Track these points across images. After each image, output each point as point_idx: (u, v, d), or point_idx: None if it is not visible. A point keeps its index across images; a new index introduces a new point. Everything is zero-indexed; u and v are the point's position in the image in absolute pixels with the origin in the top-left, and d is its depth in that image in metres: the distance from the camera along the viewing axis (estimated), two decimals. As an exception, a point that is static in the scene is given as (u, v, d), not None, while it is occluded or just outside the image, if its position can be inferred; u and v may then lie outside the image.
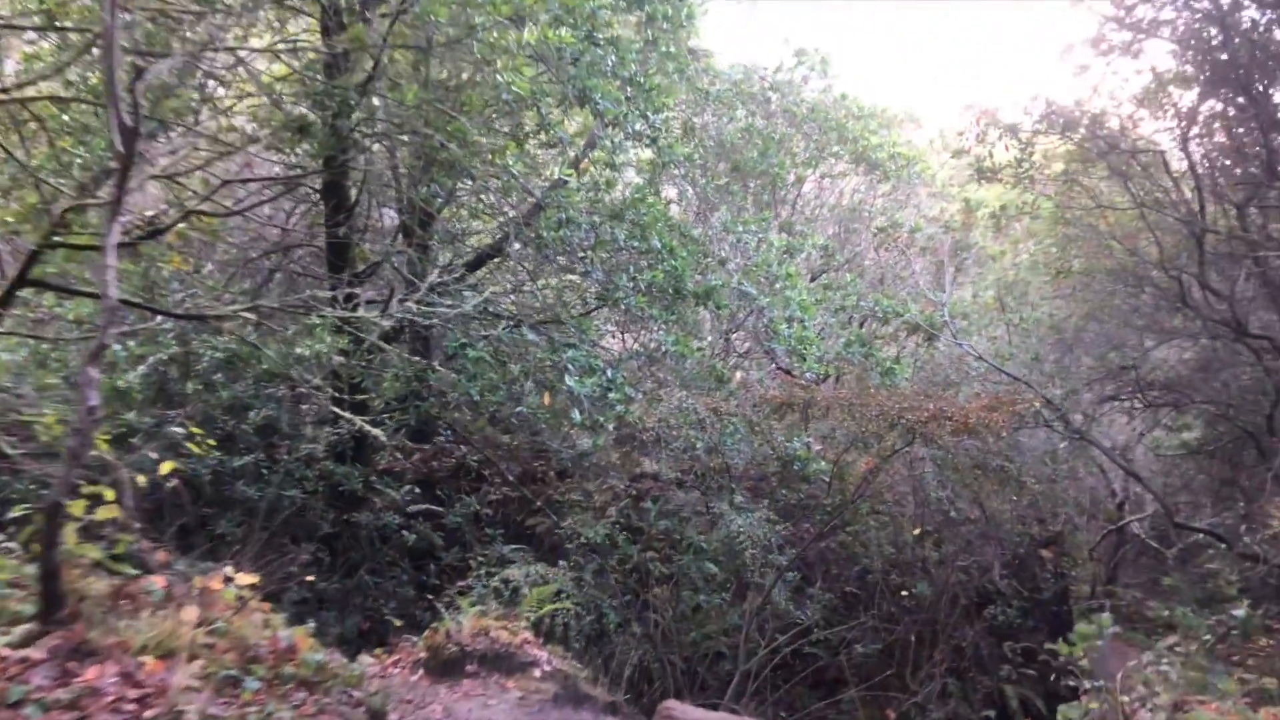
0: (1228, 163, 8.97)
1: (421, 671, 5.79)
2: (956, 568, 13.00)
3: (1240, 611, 5.38)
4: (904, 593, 11.89)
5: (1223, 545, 11.45)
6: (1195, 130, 9.08)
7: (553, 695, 6.01)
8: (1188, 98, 9.13)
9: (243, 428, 10.31)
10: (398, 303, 8.25)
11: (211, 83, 9.78)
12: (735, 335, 14.14)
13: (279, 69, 10.12)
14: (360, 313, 7.65)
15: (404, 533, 11.72)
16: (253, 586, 4.44)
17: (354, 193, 10.76)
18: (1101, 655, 13.48)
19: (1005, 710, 13.00)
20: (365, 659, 5.53)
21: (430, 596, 9.89)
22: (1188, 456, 13.42)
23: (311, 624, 5.17)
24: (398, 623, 9.04)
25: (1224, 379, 11.23)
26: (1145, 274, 10.63)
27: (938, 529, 12.89)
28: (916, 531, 11.80)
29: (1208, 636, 5.07)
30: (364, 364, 9.31)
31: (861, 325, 14.61)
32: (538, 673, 5.96)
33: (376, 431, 7.78)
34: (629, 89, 9.43)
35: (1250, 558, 6.48)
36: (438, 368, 9.24)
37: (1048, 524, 17.68)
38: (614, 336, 13.86)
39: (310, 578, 9.28)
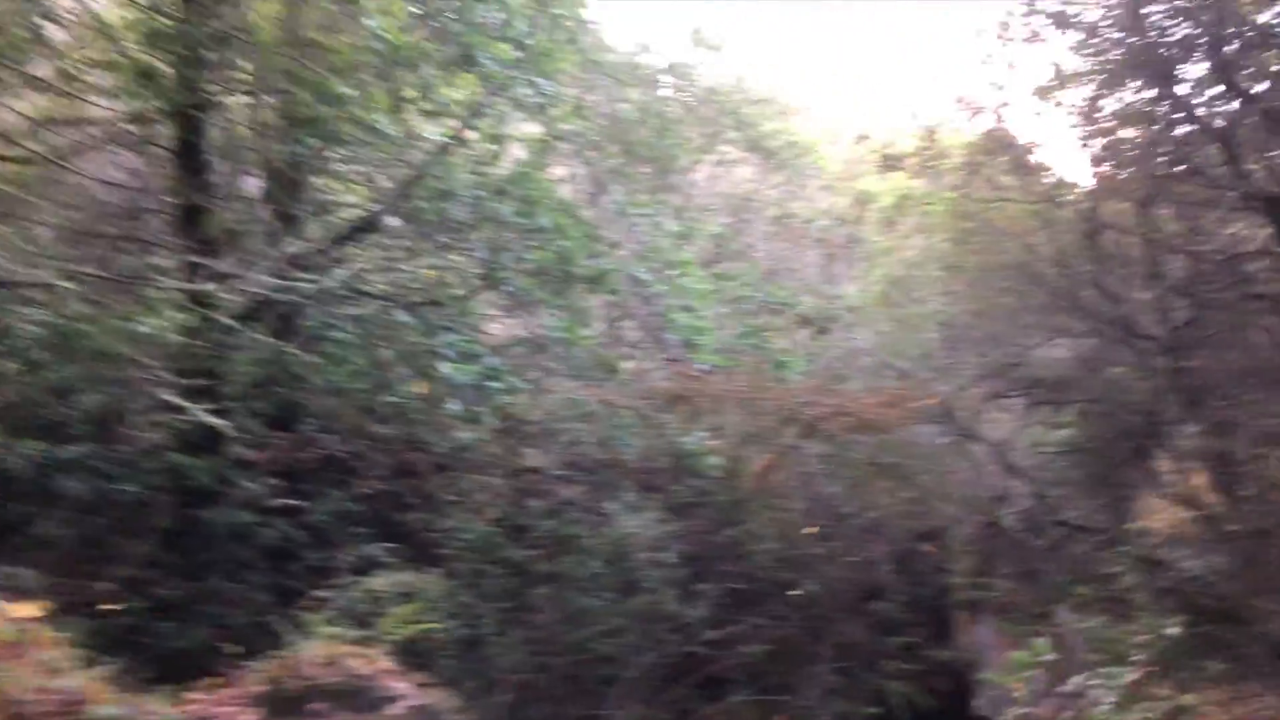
0: (1130, 156, 8.88)
1: (257, 712, 4.91)
2: (844, 564, 12.76)
3: (1176, 629, 5.10)
4: (793, 591, 11.55)
5: (1105, 542, 11.48)
6: (1094, 125, 8.97)
7: (411, 739, 5.26)
8: (1083, 92, 9.00)
9: (72, 414, 9.11)
10: (253, 277, 7.34)
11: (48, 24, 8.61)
12: (626, 324, 13.54)
13: (127, 13, 8.99)
14: (207, 286, 6.69)
15: (261, 530, 10.66)
16: (38, 618, 3.53)
17: (210, 154, 9.71)
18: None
19: (889, 707, 12.86)
20: (190, 694, 4.67)
21: (287, 605, 8.97)
22: (1066, 453, 13.47)
23: (117, 659, 4.28)
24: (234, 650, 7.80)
25: (1106, 377, 11.18)
26: (1039, 271, 10.54)
27: (827, 525, 12.61)
28: (814, 530, 11.47)
29: (1138, 656, 4.74)
30: (213, 345, 8.32)
31: (753, 316, 14.23)
32: (398, 709, 5.20)
33: (217, 420, 6.84)
34: (517, 52, 8.68)
35: (1153, 561, 6.30)
36: (296, 351, 8.29)
37: (930, 519, 17.70)
38: (499, 323, 13.07)
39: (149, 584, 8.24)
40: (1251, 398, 8.48)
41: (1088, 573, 20.43)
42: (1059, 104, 9.09)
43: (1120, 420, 11.74)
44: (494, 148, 9.93)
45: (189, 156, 9.32)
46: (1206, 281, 8.37)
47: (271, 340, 8.91)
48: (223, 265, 9.40)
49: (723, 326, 12.61)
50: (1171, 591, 7.10)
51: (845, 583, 12.81)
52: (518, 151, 12.11)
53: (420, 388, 8.52)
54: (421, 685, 5.73)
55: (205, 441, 10.03)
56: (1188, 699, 5.09)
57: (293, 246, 7.56)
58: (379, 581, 7.99)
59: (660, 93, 15.37)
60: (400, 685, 5.30)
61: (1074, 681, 5.87)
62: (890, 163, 10.77)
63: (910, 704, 13.17)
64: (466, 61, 8.32)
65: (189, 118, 8.85)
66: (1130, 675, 5.63)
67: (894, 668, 13.10)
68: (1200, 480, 10.04)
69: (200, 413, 6.77)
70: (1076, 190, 9.95)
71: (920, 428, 12.62)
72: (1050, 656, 5.04)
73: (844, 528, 13.14)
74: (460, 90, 10.81)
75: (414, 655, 7.36)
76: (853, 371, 14.33)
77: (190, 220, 9.39)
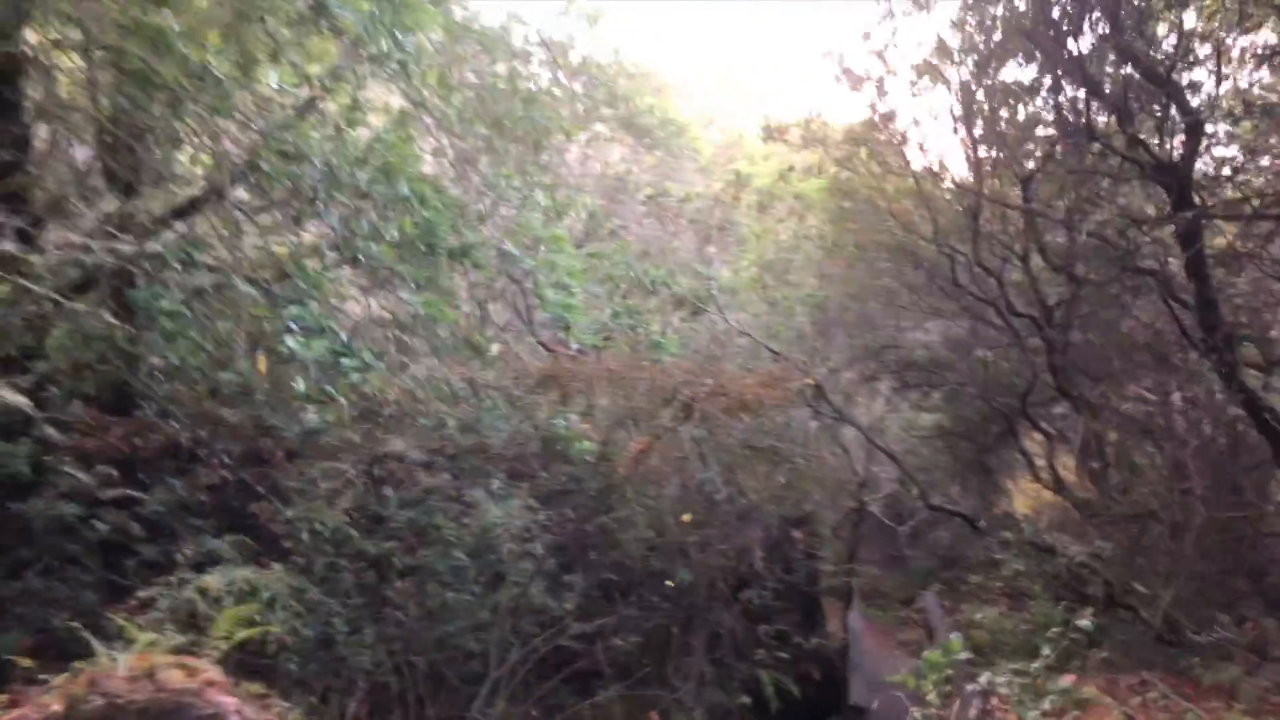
0: (1010, 135, 8.90)
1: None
2: (717, 551, 12.57)
3: (1086, 622, 4.96)
4: (666, 582, 11.27)
5: (976, 528, 11.66)
6: (976, 102, 8.96)
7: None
8: (964, 69, 8.99)
9: None
10: (73, 239, 6.50)
11: None
12: (494, 304, 12.96)
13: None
14: (7, 247, 5.84)
15: (92, 523, 9.65)
16: None
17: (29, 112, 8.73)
18: (932, 612, 13.44)
19: (760, 696, 12.75)
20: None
21: (118, 605, 8.08)
22: (935, 437, 13.71)
23: None
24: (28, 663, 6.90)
25: (980, 358, 11.35)
26: (916, 250, 10.53)
27: (701, 512, 12.40)
28: (686, 518, 11.19)
29: (1047, 651, 4.56)
30: (31, 318, 7.39)
31: (626, 296, 13.87)
32: (217, 730, 4.55)
33: (20, 399, 6.00)
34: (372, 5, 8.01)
35: (1046, 549, 6.24)
36: (120, 324, 7.43)
37: (800, 504, 17.76)
38: (358, 302, 12.28)
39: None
40: (1122, 378, 8.62)
41: (965, 559, 21.09)
42: (941, 80, 9.01)
43: (991, 402, 11.95)
44: (353, 113, 9.23)
45: (3, 114, 8.35)
46: (1086, 258, 8.43)
47: (98, 313, 8.00)
48: (39, 230, 8.45)
49: (595, 306, 12.19)
50: (1058, 578, 7.08)
51: (718, 570, 12.63)
52: (380, 121, 11.37)
53: (261, 364, 7.78)
54: (255, 696, 5.10)
55: (19, 426, 9.00)
56: (1088, 690, 5.01)
57: (119, 208, 6.73)
58: (214, 579, 7.22)
59: (532, 68, 14.82)
60: (227, 700, 4.64)
61: (984, 678, 5.67)
62: (773, 134, 10.54)
63: (782, 693, 13.11)
64: (319, 11, 7.61)
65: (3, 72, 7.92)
66: (1034, 666, 5.49)
67: (766, 656, 13.03)
68: (1070, 464, 10.23)
69: (2, 390, 5.91)
70: (957, 168, 9.95)
71: (794, 411, 12.56)
72: (964, 655, 4.82)
73: (717, 514, 12.96)
74: (315, 50, 10.04)
75: (252, 661, 6.69)
76: (727, 353, 14.17)
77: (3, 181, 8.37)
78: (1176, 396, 9.28)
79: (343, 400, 7.54)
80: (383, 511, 9.28)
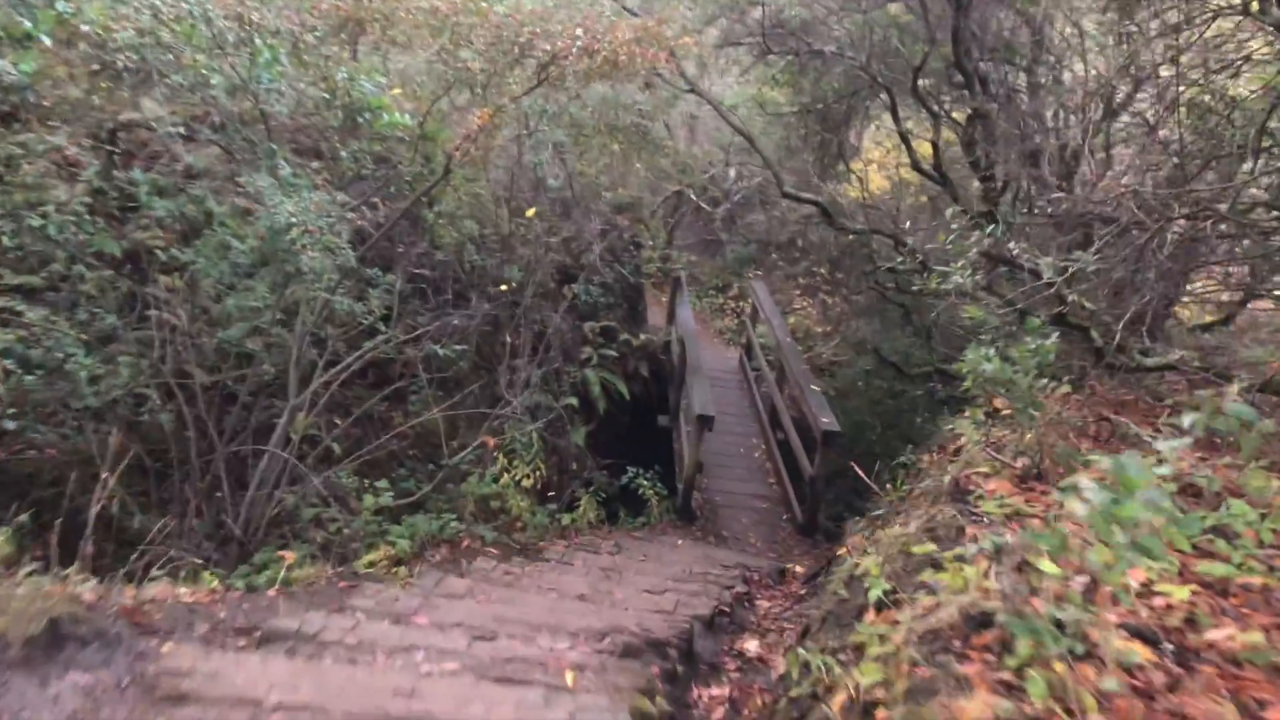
0: None
1: None
2: (546, 244, 11.12)
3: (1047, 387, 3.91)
4: (500, 286, 9.79)
5: (826, 217, 10.66)
6: None
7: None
8: None
9: None
10: None
11: None
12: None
13: None
14: None
15: None
16: None
17: None
18: (761, 298, 12.65)
19: (587, 397, 11.97)
20: None
21: None
22: (791, 114, 12.28)
23: None
24: None
25: (861, 19, 9.67)
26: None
27: (532, 201, 10.76)
28: (532, 213, 9.50)
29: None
30: None
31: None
32: None
33: None
34: None
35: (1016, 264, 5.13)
36: None
37: (628, 189, 16.30)
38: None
39: None
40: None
41: (790, 245, 20.61)
42: None
43: (874, 75, 10.58)
44: None
45: None
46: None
47: None
48: None
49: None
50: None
51: (547, 266, 11.24)
52: None
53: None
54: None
55: None
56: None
57: None
58: None
59: None
60: None
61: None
62: None
63: (606, 392, 12.37)
64: None
65: None
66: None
67: (593, 355, 12.12)
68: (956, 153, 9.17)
69: None
70: None
71: (647, 77, 10.78)
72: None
73: (543, 201, 11.39)
74: None
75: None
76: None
77: None
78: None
79: (45, 39, 5.10)
80: (136, 198, 7.04)
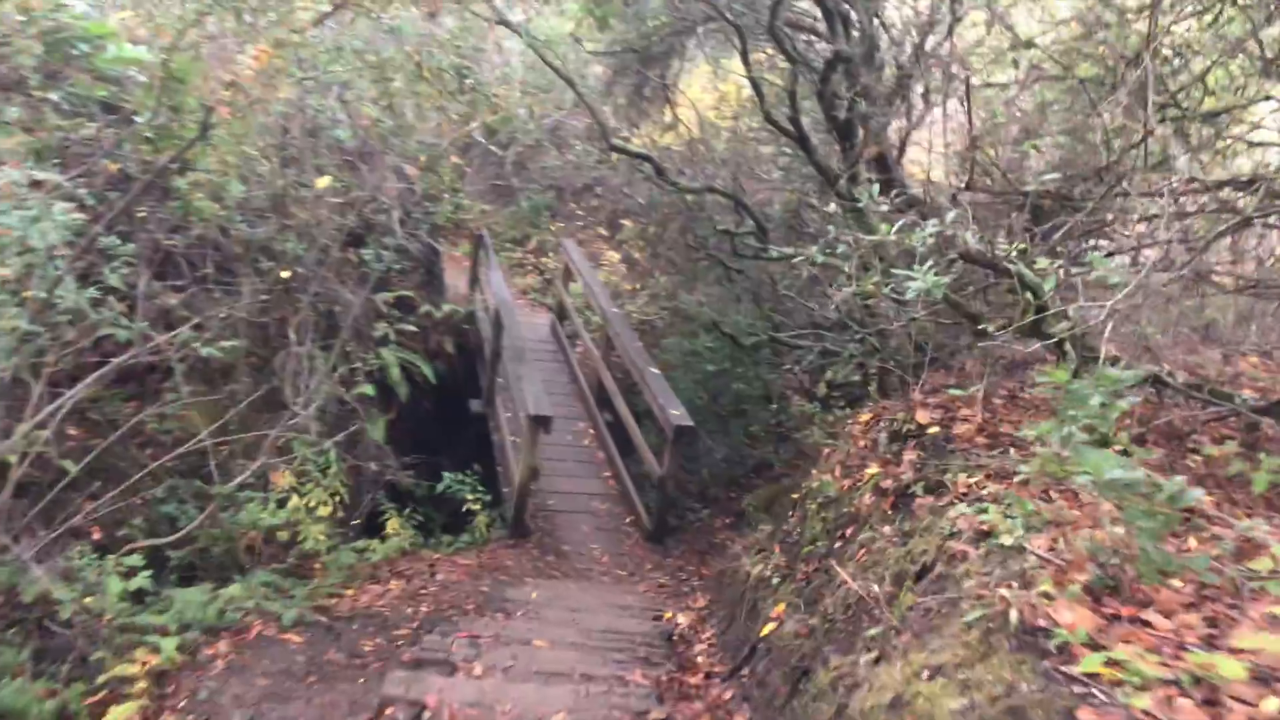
0: None
1: None
2: (338, 206, 9.32)
3: None
4: (270, 257, 7.97)
5: (657, 173, 9.44)
6: None
7: None
8: None
9: None
10: None
11: None
12: None
13: None
14: None
15: None
16: None
17: None
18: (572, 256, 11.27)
19: (385, 382, 10.31)
20: None
21: None
22: (612, 54, 10.86)
23: None
24: None
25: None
26: None
27: (318, 153, 8.90)
28: (324, 182, 7.67)
29: None
30: None
31: None
32: None
33: None
34: None
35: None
36: None
37: (426, 134, 14.43)
38: None
39: None
40: None
41: (588, 192, 19.22)
42: None
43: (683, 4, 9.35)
44: None
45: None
46: None
47: None
48: None
49: None
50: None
51: (331, 229, 9.43)
52: None
53: None
54: None
55: None
56: None
57: None
58: None
59: None
60: None
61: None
62: None
63: (406, 372, 10.75)
64: None
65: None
66: None
67: (388, 331, 10.45)
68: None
69: None
70: None
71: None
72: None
73: (332, 154, 9.56)
74: None
75: None
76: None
77: None
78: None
79: None
80: None
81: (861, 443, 4.94)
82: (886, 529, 3.88)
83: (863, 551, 3.91)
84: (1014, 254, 3.84)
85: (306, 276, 8.87)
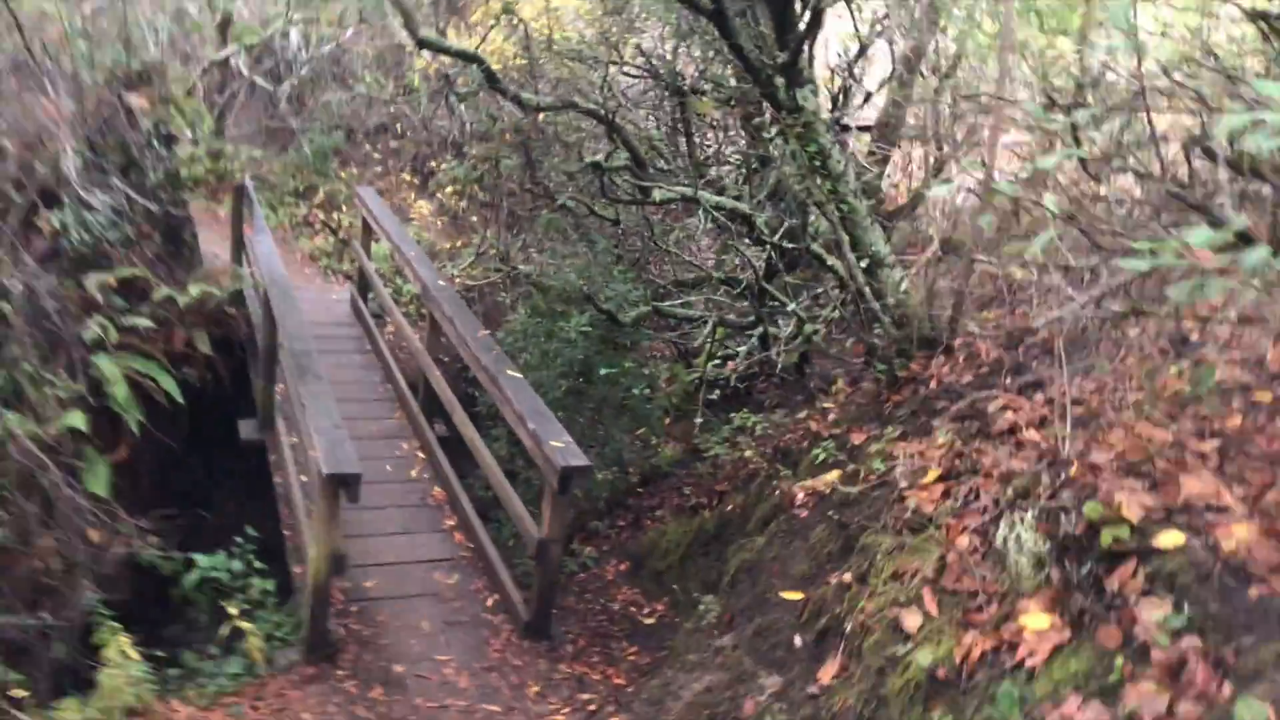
0: None
1: None
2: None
3: None
4: None
5: (489, 80, 6.62)
6: None
7: None
8: None
9: None
10: None
11: None
12: None
13: None
14: None
15: None
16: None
17: None
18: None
19: (105, 406, 7.04)
20: None
21: None
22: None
23: None
24: None
25: None
26: None
27: None
28: None
29: None
30: None
31: None
32: None
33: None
34: None
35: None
36: None
37: (137, 53, 10.78)
38: None
39: None
40: None
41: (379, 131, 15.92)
42: None
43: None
44: None
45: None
46: None
47: None
48: None
49: None
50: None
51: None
52: None
53: None
54: None
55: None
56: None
57: None
58: None
59: None
60: None
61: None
62: None
63: (134, 385, 7.47)
64: None
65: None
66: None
67: (105, 325, 7.23)
68: None
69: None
70: None
71: None
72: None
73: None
74: None
75: None
76: None
77: None
78: None
79: None
80: None
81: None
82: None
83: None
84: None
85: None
